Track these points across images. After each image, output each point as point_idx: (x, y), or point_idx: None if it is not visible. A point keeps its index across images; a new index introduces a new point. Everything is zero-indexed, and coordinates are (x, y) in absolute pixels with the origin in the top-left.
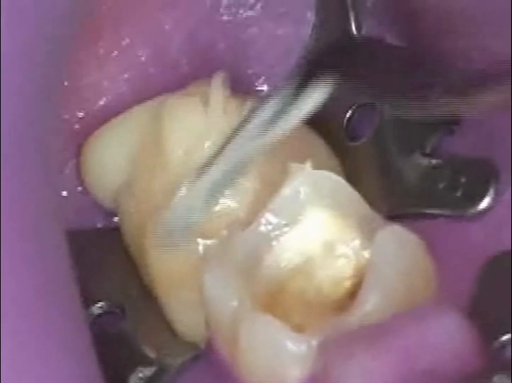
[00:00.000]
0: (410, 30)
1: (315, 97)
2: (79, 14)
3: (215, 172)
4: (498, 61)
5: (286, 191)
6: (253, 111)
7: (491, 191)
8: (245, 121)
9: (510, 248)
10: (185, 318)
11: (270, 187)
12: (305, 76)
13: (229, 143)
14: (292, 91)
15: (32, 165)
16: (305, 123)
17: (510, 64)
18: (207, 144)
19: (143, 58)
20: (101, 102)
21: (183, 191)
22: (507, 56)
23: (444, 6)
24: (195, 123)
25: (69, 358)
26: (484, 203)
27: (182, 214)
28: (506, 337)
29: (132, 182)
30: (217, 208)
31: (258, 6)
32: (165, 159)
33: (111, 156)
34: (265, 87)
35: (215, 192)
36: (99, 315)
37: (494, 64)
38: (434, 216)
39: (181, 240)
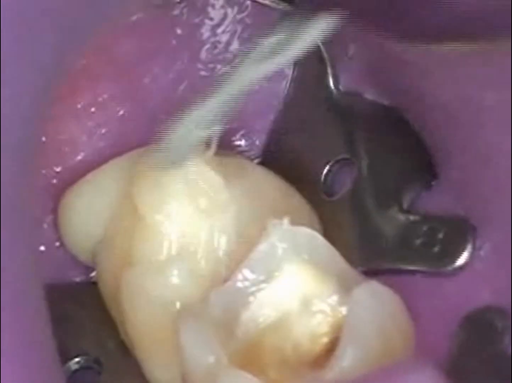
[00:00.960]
0: (390, 82)
1: (319, 27)
2: (58, 69)
3: (221, 94)
4: None
5: (263, 246)
6: (259, 37)
7: (468, 247)
8: (250, 47)
9: (487, 305)
10: (162, 374)
11: (248, 243)
12: (310, 8)
13: (234, 68)
14: (298, 20)
15: (11, 222)
16: (283, 178)
17: None
18: (184, 203)
19: (121, 113)
20: (79, 157)
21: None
22: None
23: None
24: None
25: None
26: (461, 259)
27: (185, 133)
28: None
29: (110, 238)
30: (195, 266)
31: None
32: (140, 219)
33: (88, 211)
34: (242, 142)
35: (218, 114)
36: (76, 371)
37: None
38: (411, 272)
39: (179, 159)
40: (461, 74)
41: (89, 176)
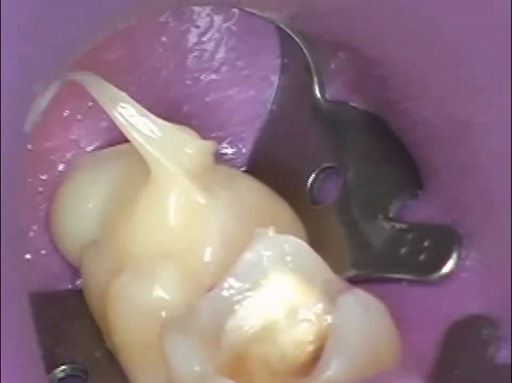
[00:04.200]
0: (375, 93)
1: None
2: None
3: None
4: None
5: (249, 255)
6: None
7: (454, 256)
8: None
9: (472, 313)
10: (147, 382)
11: (235, 252)
12: None
13: None
14: None
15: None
16: (269, 187)
17: None
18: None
19: (107, 121)
20: (65, 165)
21: None
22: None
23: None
24: None
25: None
26: (447, 267)
27: None
28: None
29: (99, 240)
30: (180, 275)
31: (223, 69)
32: (132, 219)
33: (80, 209)
34: (229, 150)
35: None
36: (62, 379)
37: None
38: (397, 280)
39: None
40: (444, 89)
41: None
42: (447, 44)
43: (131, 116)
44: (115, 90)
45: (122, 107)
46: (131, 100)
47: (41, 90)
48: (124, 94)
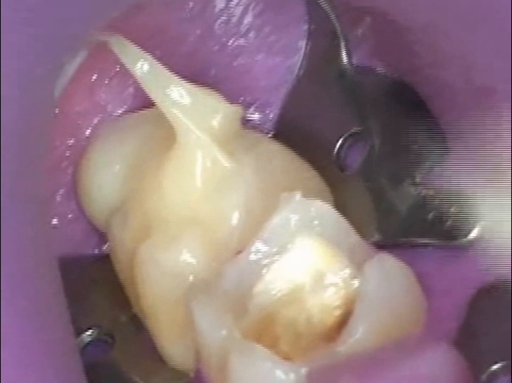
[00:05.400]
0: (401, 59)
1: None
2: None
3: None
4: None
5: (276, 219)
6: None
7: (481, 222)
8: None
9: (499, 279)
10: (175, 348)
11: (261, 217)
12: None
13: None
14: None
15: (25, 194)
16: (296, 152)
17: None
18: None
19: (134, 85)
20: (92, 129)
21: None
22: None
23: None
24: None
25: None
26: (473, 233)
27: None
28: (495, 367)
29: (125, 205)
30: (207, 239)
31: (251, 34)
32: (160, 183)
33: (105, 174)
34: (256, 116)
35: None
36: (89, 343)
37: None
38: (423, 246)
39: None
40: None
41: (110, 138)
42: (472, 9)
43: (157, 80)
44: (141, 52)
45: (149, 70)
46: (157, 63)
47: (69, 58)
48: (150, 57)
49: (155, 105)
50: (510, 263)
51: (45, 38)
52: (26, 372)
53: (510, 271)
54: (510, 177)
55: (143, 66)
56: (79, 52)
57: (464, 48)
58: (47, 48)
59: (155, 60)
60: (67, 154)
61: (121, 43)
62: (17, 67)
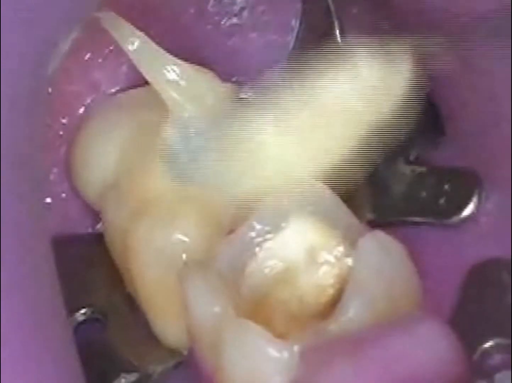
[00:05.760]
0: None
1: None
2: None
3: None
4: None
5: (270, 198)
6: None
7: (475, 199)
8: None
9: (493, 257)
10: (168, 327)
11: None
12: None
13: None
14: None
15: (21, 174)
16: None
17: None
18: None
19: (127, 64)
20: (85, 108)
21: None
22: None
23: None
24: None
25: (56, 363)
26: (467, 211)
27: None
28: (488, 344)
29: (119, 184)
30: (201, 218)
31: (244, 13)
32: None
33: (99, 152)
34: (249, 95)
35: None
36: (83, 322)
37: None
38: (417, 224)
39: None
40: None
41: (103, 119)
42: None
43: (150, 57)
44: (134, 29)
45: (141, 47)
46: (150, 41)
47: (63, 35)
48: (143, 34)
49: (149, 83)
50: (505, 242)
51: (39, 17)
52: (18, 349)
53: (503, 250)
54: None
55: (135, 43)
56: (73, 31)
57: (459, 29)
58: (41, 27)
59: (148, 38)
60: (61, 133)
61: (113, 20)
62: (10, 47)
